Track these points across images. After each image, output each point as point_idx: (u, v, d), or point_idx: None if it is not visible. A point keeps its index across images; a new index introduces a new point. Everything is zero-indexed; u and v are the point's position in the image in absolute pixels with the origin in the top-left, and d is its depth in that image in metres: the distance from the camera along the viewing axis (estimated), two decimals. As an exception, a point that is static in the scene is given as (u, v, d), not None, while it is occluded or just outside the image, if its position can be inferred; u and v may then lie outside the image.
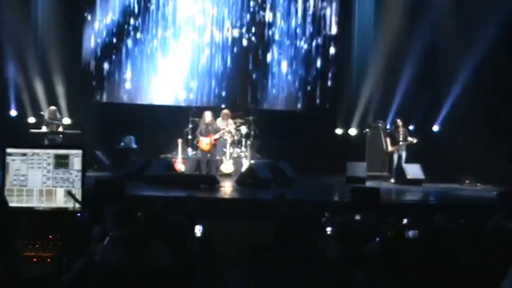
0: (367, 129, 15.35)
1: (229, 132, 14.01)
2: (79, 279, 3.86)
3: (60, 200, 4.40)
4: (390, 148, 14.32)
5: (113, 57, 16.21)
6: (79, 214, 4.52)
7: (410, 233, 5.82)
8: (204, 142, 13.11)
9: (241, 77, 16.56)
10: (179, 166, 13.90)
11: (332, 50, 16.76)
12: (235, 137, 14.61)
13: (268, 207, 8.59)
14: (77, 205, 4.35)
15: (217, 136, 13.17)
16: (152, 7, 16.25)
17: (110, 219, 4.11)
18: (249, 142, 14.67)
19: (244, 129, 14.66)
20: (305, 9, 16.64)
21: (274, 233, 6.73)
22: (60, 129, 13.64)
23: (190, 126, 14.80)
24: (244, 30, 16.48)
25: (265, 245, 6.63)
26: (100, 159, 14.16)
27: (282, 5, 16.56)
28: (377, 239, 5.77)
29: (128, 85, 16.34)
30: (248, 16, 16.49)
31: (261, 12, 16.51)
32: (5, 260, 3.07)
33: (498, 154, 13.64)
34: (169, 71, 16.31)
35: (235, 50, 16.51)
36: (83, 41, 16.06)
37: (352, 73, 16.48)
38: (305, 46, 16.69)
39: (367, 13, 16.20)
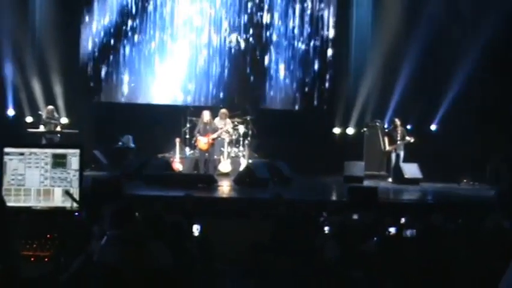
0: (365, 129, 15.37)
1: (227, 131, 14.01)
2: (76, 279, 3.86)
3: (58, 200, 4.39)
4: (388, 147, 14.33)
5: (111, 57, 16.16)
6: (76, 213, 4.51)
7: (408, 232, 5.84)
8: (202, 141, 13.11)
9: (238, 78, 16.52)
10: (177, 165, 13.89)
11: (330, 51, 16.74)
12: (233, 137, 14.61)
13: (266, 207, 8.59)
14: (75, 204, 4.34)
15: (215, 136, 13.17)
16: (150, 8, 16.22)
17: (108, 218, 4.11)
18: (246, 141, 14.67)
19: (242, 129, 14.66)
20: (303, 11, 16.61)
21: (272, 232, 6.73)
22: (58, 128, 13.65)
23: (188, 125, 14.81)
24: (242, 31, 16.44)
25: (263, 244, 6.63)
26: (97, 159, 14.15)
27: (280, 5, 16.54)
28: (375, 238, 5.78)
29: (125, 86, 16.30)
30: (246, 17, 16.45)
31: (258, 13, 16.48)
32: (4, 260, 3.06)
33: (495, 154, 13.68)
34: (167, 72, 16.27)
35: (232, 51, 16.47)
36: (80, 41, 16.01)
37: (350, 74, 16.46)
38: (303, 47, 16.67)
39: (365, 14, 16.19)
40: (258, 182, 12.03)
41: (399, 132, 14.10)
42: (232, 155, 14.55)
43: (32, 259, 4.06)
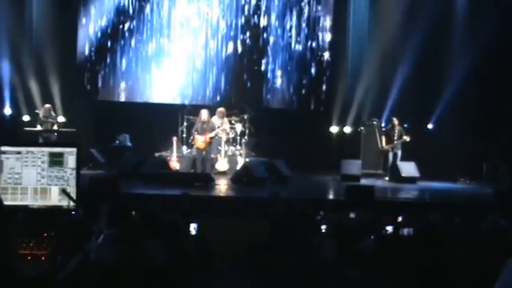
0: (362, 127, 15.38)
1: (224, 130, 14.00)
2: (73, 278, 3.85)
3: (54, 198, 4.38)
4: (385, 146, 14.33)
5: (108, 57, 16.13)
6: (73, 212, 4.51)
7: (405, 231, 5.84)
8: (200, 140, 13.10)
9: (235, 80, 16.48)
10: (174, 164, 13.88)
11: (327, 53, 16.68)
12: (230, 135, 14.60)
13: (264, 206, 8.59)
14: (72, 203, 4.34)
15: (212, 134, 13.15)
16: (147, 8, 16.17)
17: (105, 217, 4.11)
18: (244, 140, 14.65)
19: (239, 128, 14.64)
20: (300, 13, 16.58)
21: (270, 231, 6.73)
22: (55, 127, 13.64)
23: (185, 124, 14.80)
24: (239, 33, 16.42)
25: (261, 243, 6.63)
26: (94, 157, 14.13)
27: (278, 7, 16.51)
28: (372, 237, 5.79)
29: (122, 85, 16.27)
30: (243, 19, 16.41)
31: (255, 15, 16.45)
32: (3, 259, 3.05)
33: (492, 153, 13.71)
34: (165, 73, 16.24)
35: (230, 52, 16.43)
36: (77, 41, 15.96)
37: (347, 75, 16.43)
38: (300, 49, 16.63)
39: (362, 15, 16.19)
40: (255, 181, 12.03)
41: (396, 131, 14.10)
42: (230, 153, 14.54)
43: (29, 258, 4.05)
